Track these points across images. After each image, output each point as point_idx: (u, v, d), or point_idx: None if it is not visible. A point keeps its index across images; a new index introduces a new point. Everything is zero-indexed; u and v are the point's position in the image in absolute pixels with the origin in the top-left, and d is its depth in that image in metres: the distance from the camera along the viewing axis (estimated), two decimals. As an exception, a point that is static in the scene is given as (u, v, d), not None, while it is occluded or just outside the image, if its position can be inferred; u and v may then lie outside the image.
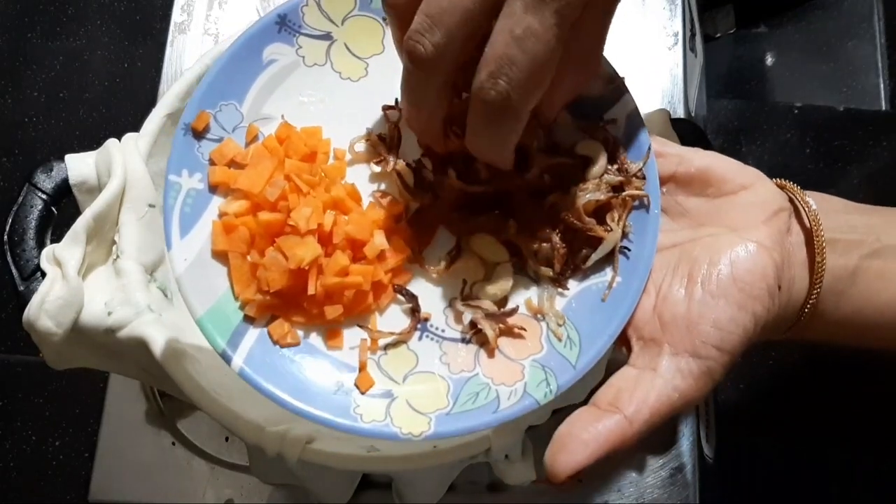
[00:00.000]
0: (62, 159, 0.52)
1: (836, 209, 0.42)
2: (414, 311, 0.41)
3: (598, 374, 0.51)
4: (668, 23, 0.72)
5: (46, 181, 0.52)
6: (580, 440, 0.36)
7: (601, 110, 0.42)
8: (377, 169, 0.44)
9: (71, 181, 0.51)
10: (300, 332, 0.41)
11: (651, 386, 0.37)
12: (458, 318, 0.41)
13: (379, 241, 0.42)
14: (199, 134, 0.43)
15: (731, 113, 0.71)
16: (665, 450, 0.59)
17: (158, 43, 0.73)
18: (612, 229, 0.40)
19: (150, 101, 0.65)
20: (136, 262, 0.49)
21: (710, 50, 0.76)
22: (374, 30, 0.46)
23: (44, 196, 0.52)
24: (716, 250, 0.38)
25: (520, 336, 0.41)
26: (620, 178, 0.41)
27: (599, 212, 0.41)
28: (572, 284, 0.41)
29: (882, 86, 0.74)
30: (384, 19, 0.45)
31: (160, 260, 0.52)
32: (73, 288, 0.46)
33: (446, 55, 0.35)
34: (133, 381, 0.61)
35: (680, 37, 0.71)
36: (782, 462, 0.60)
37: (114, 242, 0.50)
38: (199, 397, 0.46)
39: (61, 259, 0.47)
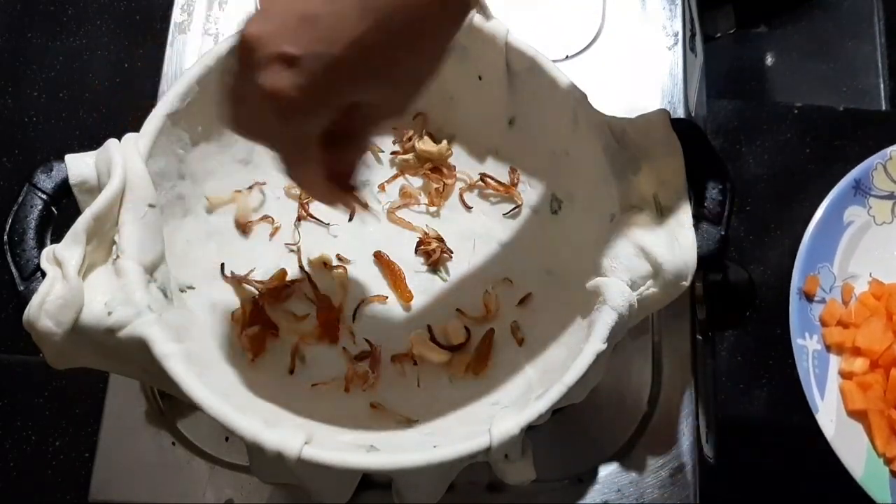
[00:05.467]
0: (62, 159, 0.52)
1: None
2: None
3: (598, 375, 0.51)
4: (668, 23, 0.72)
5: (46, 181, 0.52)
6: None
7: None
8: None
9: (71, 181, 0.51)
10: None
11: None
12: None
13: None
14: (809, 297, 0.50)
15: (731, 113, 0.71)
16: (665, 450, 0.59)
17: (158, 43, 0.73)
18: None
19: (150, 101, 0.65)
20: (136, 262, 0.49)
21: (710, 50, 0.75)
22: None
23: (44, 196, 0.52)
24: None
25: None
26: None
27: None
28: None
29: (882, 86, 0.74)
30: None
31: (160, 260, 0.52)
32: (74, 288, 0.46)
33: None
34: (133, 381, 0.61)
35: (680, 37, 0.71)
36: (782, 462, 0.60)
37: (114, 242, 0.50)
38: (199, 397, 0.46)
39: (61, 259, 0.47)
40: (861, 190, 0.52)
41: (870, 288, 0.51)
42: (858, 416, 0.47)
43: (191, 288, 0.57)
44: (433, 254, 0.60)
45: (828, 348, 0.49)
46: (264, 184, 0.62)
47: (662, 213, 0.51)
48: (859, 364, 0.48)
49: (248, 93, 0.39)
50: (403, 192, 0.63)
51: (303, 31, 0.37)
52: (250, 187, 0.61)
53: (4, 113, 0.80)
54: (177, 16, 0.73)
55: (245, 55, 0.38)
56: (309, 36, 0.37)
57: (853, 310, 0.51)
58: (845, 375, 0.48)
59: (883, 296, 0.51)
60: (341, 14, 0.37)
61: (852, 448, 0.45)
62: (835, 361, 0.49)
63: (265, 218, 0.61)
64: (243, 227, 0.61)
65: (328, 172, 0.44)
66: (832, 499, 0.58)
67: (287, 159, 0.42)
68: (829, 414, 0.45)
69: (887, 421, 0.46)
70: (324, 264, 0.61)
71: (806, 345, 0.47)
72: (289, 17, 0.38)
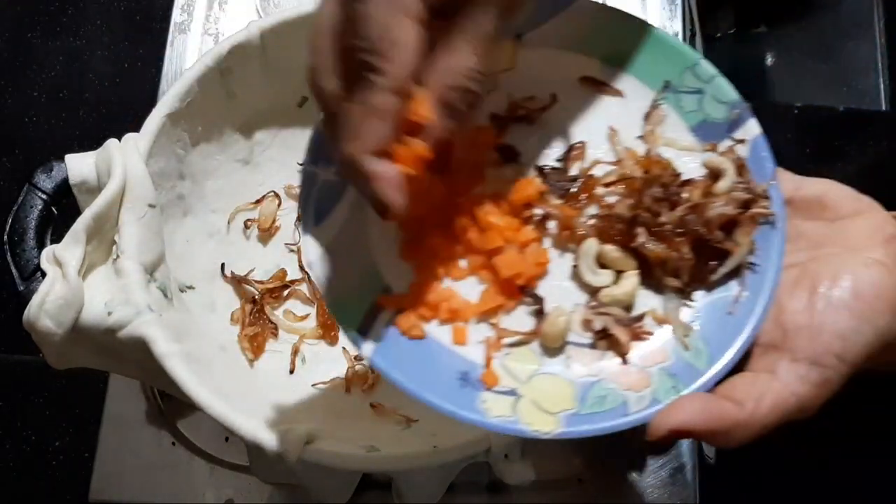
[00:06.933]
0: (62, 159, 0.52)
1: None
2: (540, 314, 0.41)
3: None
4: (668, 23, 0.72)
5: (46, 181, 0.52)
6: (693, 403, 0.37)
7: (727, 132, 0.43)
8: None
9: (71, 181, 0.51)
10: (426, 326, 0.41)
11: (768, 387, 0.37)
12: (586, 323, 0.41)
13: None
14: None
15: (731, 113, 0.71)
16: (665, 450, 0.59)
17: (158, 43, 0.73)
18: (740, 244, 0.41)
19: (150, 101, 0.65)
20: (136, 262, 0.49)
21: (710, 50, 0.76)
22: None
23: (44, 196, 0.52)
24: (837, 266, 0.39)
25: (647, 342, 0.41)
26: (748, 196, 0.41)
27: (725, 227, 0.41)
28: (697, 296, 0.42)
29: (882, 86, 0.74)
30: None
31: (160, 260, 0.52)
32: (74, 288, 0.46)
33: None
34: (133, 381, 0.61)
35: (680, 37, 0.71)
36: (782, 462, 0.60)
37: (114, 242, 0.50)
38: (199, 397, 0.46)
39: (61, 259, 0.47)
40: None
41: None
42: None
43: (191, 288, 0.57)
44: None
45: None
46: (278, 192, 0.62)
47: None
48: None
49: None
50: (403, 192, 0.63)
51: None
52: (271, 194, 0.62)
53: (4, 113, 0.80)
54: (177, 16, 0.73)
55: None
56: None
57: None
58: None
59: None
60: None
61: (338, 273, 0.41)
62: (350, 191, 0.42)
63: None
64: (265, 232, 0.61)
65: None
66: (832, 498, 0.58)
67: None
68: (322, 237, 0.41)
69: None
70: (324, 264, 0.61)
71: (318, 172, 0.41)
72: None
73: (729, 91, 0.43)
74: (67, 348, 0.48)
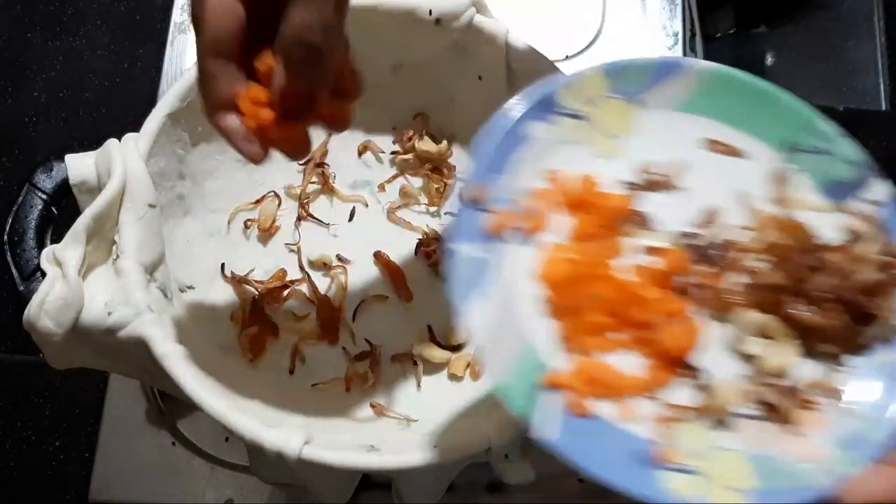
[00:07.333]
0: (62, 159, 0.52)
1: None
2: (703, 387, 0.41)
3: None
4: (668, 23, 0.72)
5: (46, 181, 0.52)
6: (879, 476, 0.37)
7: (855, 191, 0.44)
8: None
9: (71, 181, 0.51)
10: (593, 404, 0.41)
11: None
12: (750, 395, 0.41)
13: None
14: (475, 205, 0.44)
15: (731, 113, 0.71)
16: None
17: (158, 43, 0.73)
18: (884, 307, 0.41)
19: (150, 101, 0.65)
20: (136, 262, 0.49)
21: (710, 50, 0.75)
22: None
23: (44, 196, 0.52)
24: None
25: (815, 412, 0.41)
26: (889, 259, 0.41)
27: (869, 290, 0.41)
28: (856, 362, 0.42)
29: (882, 86, 0.74)
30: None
31: (160, 260, 0.52)
32: (74, 288, 0.46)
33: None
34: (133, 381, 0.61)
35: (680, 37, 0.71)
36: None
37: (114, 242, 0.50)
38: (199, 397, 0.46)
39: (61, 259, 0.47)
40: (547, 106, 0.47)
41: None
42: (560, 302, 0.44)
43: (191, 288, 0.57)
44: (433, 254, 0.60)
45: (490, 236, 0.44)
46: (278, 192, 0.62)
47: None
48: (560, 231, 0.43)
49: None
50: (404, 192, 0.63)
51: None
52: (272, 194, 0.62)
53: (4, 113, 0.80)
54: (177, 16, 0.73)
55: None
56: None
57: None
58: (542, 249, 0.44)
59: (559, 185, 0.46)
60: None
61: (501, 355, 0.42)
62: (497, 268, 0.44)
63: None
64: (265, 232, 0.61)
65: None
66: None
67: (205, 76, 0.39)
68: (477, 320, 0.42)
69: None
70: (324, 264, 0.61)
71: (462, 249, 0.43)
72: None
73: (855, 151, 0.44)
74: (67, 348, 0.48)
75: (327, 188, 0.63)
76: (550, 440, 0.40)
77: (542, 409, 0.41)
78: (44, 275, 0.47)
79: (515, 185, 0.45)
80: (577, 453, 0.40)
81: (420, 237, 0.62)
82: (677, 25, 0.72)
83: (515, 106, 0.46)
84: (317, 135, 0.47)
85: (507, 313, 0.43)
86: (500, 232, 0.44)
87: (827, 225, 0.43)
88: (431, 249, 0.61)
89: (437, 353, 0.57)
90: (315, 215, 0.62)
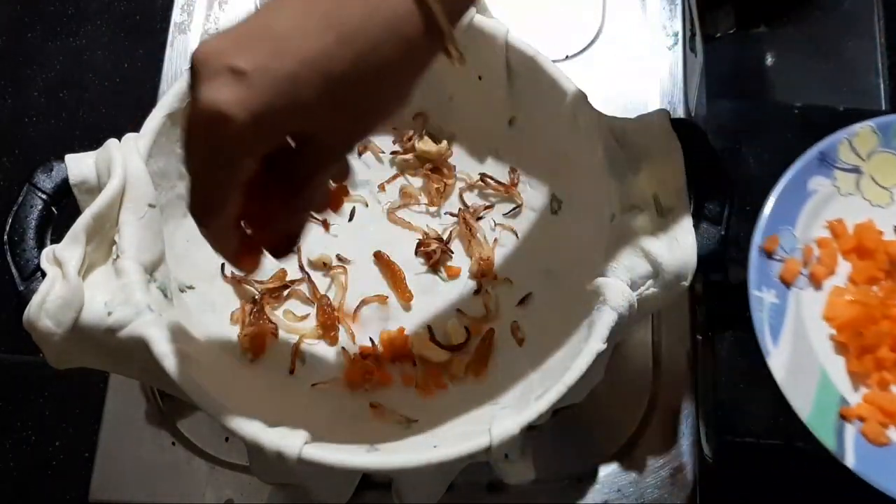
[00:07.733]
0: (62, 159, 0.52)
1: None
2: None
3: (598, 375, 0.51)
4: (668, 23, 0.72)
5: (46, 181, 0.52)
6: None
7: None
8: None
9: (71, 181, 0.51)
10: (889, 432, 0.49)
11: None
12: None
13: None
14: (769, 255, 0.54)
15: (731, 113, 0.71)
16: (665, 450, 0.59)
17: (158, 43, 0.73)
18: None
19: (150, 101, 0.65)
20: (136, 262, 0.49)
21: (710, 50, 0.75)
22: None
23: (44, 196, 0.52)
24: None
25: None
26: None
27: None
28: None
29: (882, 86, 0.74)
30: None
31: (160, 260, 0.52)
32: (74, 288, 0.46)
33: None
34: (133, 381, 0.61)
35: (680, 37, 0.71)
36: (782, 462, 0.60)
37: (114, 242, 0.50)
38: (199, 397, 0.46)
39: (61, 259, 0.47)
40: (826, 162, 0.57)
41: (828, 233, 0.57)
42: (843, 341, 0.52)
43: (191, 288, 0.57)
44: (433, 254, 0.60)
45: (786, 284, 0.54)
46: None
47: (662, 213, 0.51)
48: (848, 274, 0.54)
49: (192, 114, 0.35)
50: (403, 193, 0.63)
51: (257, 45, 0.34)
52: None
53: (4, 113, 0.80)
54: (177, 16, 0.73)
55: (194, 74, 0.34)
56: (262, 49, 0.34)
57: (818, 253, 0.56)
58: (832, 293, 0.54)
59: (841, 234, 0.56)
60: (303, 28, 0.34)
61: (801, 391, 0.50)
62: (791, 311, 0.53)
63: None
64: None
65: (265, 232, 0.43)
66: (832, 498, 0.58)
67: (205, 199, 0.38)
68: (781, 358, 0.51)
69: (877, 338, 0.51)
70: (324, 264, 0.61)
71: (763, 296, 0.52)
72: (245, 33, 0.35)
73: None
74: (67, 348, 0.48)
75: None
76: (857, 469, 0.47)
77: (846, 439, 0.49)
78: (44, 275, 0.47)
79: (803, 235, 0.54)
80: (877, 477, 0.47)
81: (420, 237, 0.62)
82: (677, 25, 0.72)
83: (800, 162, 0.55)
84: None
85: (802, 353, 0.52)
86: (792, 278, 0.53)
87: None
88: (431, 249, 0.61)
89: (436, 353, 0.57)
90: (315, 215, 0.62)
